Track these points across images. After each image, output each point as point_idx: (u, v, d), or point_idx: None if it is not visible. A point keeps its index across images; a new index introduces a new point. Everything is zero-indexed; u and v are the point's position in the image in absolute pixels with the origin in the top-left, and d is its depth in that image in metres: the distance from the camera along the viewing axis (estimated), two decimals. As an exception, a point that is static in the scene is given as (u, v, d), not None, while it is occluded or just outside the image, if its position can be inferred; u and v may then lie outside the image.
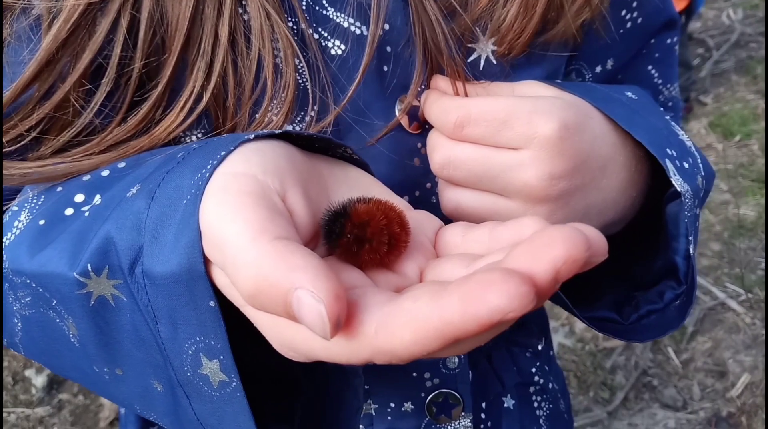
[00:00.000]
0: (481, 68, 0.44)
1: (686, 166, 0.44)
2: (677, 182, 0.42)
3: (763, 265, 2.01)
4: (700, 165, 0.47)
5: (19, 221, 0.38)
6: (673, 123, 0.48)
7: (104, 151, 0.39)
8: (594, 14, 0.46)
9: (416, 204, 0.46)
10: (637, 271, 0.51)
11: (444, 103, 0.42)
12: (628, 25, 0.51)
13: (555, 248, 0.23)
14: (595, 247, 0.25)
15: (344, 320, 0.24)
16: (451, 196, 0.43)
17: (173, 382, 0.34)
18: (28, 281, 0.36)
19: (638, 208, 0.48)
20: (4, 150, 0.39)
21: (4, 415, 1.68)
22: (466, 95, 0.43)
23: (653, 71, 0.57)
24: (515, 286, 0.22)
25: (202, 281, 0.29)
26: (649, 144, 0.41)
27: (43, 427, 1.67)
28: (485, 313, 0.22)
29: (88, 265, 0.32)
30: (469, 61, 0.44)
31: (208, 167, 0.30)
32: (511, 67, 0.45)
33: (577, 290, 0.53)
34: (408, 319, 0.23)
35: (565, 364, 1.86)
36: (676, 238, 0.44)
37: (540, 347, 0.61)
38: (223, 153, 0.30)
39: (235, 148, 0.31)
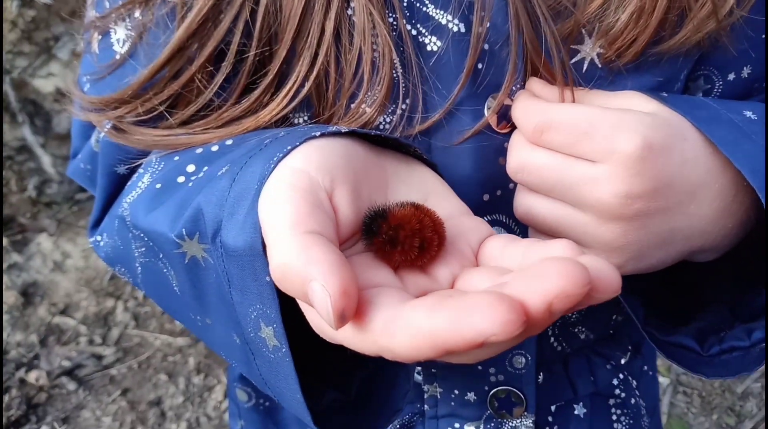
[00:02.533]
0: (584, 70, 0.43)
1: None
2: None
3: None
4: None
5: (143, 182, 0.45)
6: None
7: (219, 127, 0.44)
8: (721, 27, 0.42)
9: (497, 203, 0.46)
10: (742, 300, 0.48)
11: (529, 106, 0.41)
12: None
13: (549, 281, 0.24)
14: (602, 284, 0.25)
15: (352, 314, 0.26)
16: (523, 201, 0.43)
17: (243, 338, 0.38)
18: (142, 235, 0.42)
19: (740, 238, 0.45)
20: (139, 118, 0.46)
21: (151, 339, 1.89)
22: (562, 100, 0.43)
23: None
24: (502, 313, 0.23)
25: (261, 258, 0.33)
26: (750, 173, 0.38)
27: (182, 355, 1.85)
28: (470, 333, 0.23)
29: (183, 229, 0.38)
30: (572, 62, 0.43)
31: (275, 160, 0.33)
32: (618, 73, 0.43)
33: (666, 309, 0.50)
34: (405, 325, 0.25)
35: (690, 382, 1.75)
36: None
37: (623, 361, 0.60)
38: (289, 147, 0.33)
39: (300, 143, 0.33)
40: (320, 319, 0.29)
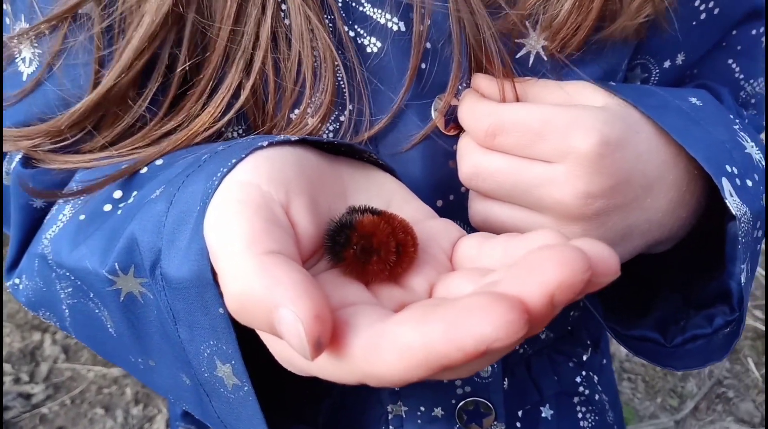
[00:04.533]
0: (530, 65, 0.42)
1: (749, 183, 0.40)
2: (733, 204, 0.38)
3: None
4: None
5: (63, 214, 0.40)
6: (742, 133, 0.43)
7: (148, 145, 0.40)
8: (658, 9, 0.42)
9: (451, 209, 0.44)
10: (694, 286, 0.48)
11: (477, 108, 0.40)
12: (702, 16, 0.47)
13: (548, 271, 0.21)
14: (601, 267, 0.23)
15: (328, 341, 0.23)
16: (479, 208, 0.42)
17: (196, 379, 0.34)
18: (67, 274, 0.38)
19: (692, 227, 0.45)
20: (63, 143, 0.41)
21: (83, 371, 1.79)
22: (515, 94, 0.41)
23: (734, 65, 0.53)
24: (502, 314, 0.20)
25: (211, 289, 0.29)
26: (704, 160, 0.38)
27: (117, 386, 1.76)
28: (470, 341, 0.20)
29: (116, 263, 0.34)
30: (517, 57, 0.41)
31: (218, 175, 0.29)
32: (563, 64, 0.42)
33: (623, 303, 0.50)
34: (392, 344, 0.22)
35: (634, 368, 1.79)
36: (733, 261, 0.41)
37: (585, 357, 0.59)
38: (234, 160, 0.30)
39: (246, 156, 0.30)
40: (289, 350, 0.26)
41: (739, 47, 0.52)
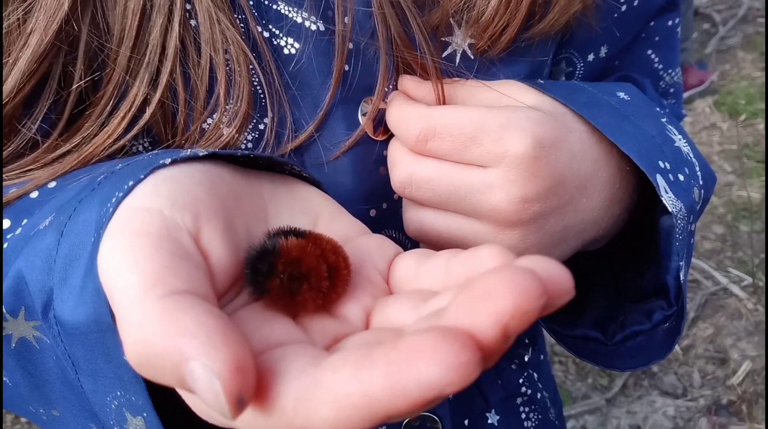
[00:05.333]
0: (456, 63, 0.40)
1: (681, 178, 0.40)
2: (669, 201, 0.38)
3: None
4: (698, 173, 0.43)
5: None
6: (670, 126, 0.44)
7: (40, 168, 0.36)
8: (586, 5, 0.42)
9: (384, 217, 0.42)
10: (627, 280, 0.48)
11: (407, 112, 0.38)
12: (623, 8, 0.47)
13: (500, 298, 0.18)
14: (555, 289, 0.21)
15: (252, 396, 0.20)
16: (414, 217, 0.40)
17: None
18: None
19: (625, 222, 0.45)
20: None
21: None
22: (443, 96, 0.40)
23: (653, 56, 0.53)
24: (452, 354, 0.17)
25: (111, 334, 0.25)
26: (638, 158, 0.38)
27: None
28: (415, 389, 0.18)
29: (3, 306, 0.29)
30: (443, 56, 0.40)
31: (113, 201, 0.25)
32: (491, 62, 0.41)
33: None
34: (327, 396, 0.19)
35: (563, 351, 1.84)
36: (668, 256, 0.41)
37: (527, 358, 0.58)
38: (131, 182, 0.26)
39: (146, 176, 0.26)
40: (203, 406, 0.23)
41: (657, 38, 0.53)
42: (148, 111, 0.36)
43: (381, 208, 0.42)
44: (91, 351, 0.27)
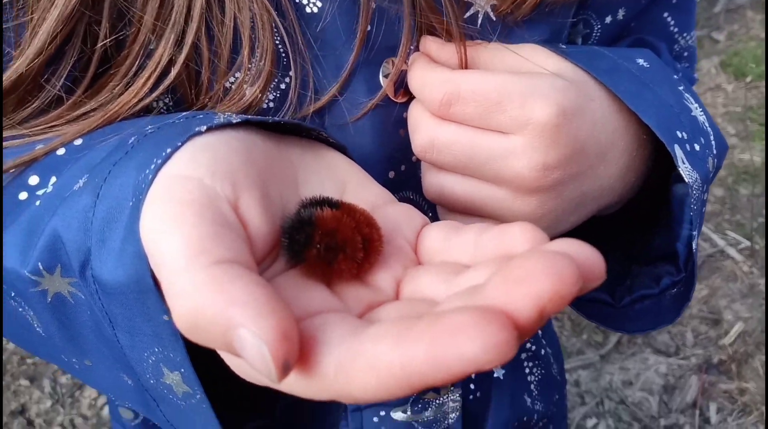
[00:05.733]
0: (478, 25, 0.40)
1: (697, 148, 0.41)
2: (685, 171, 0.38)
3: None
4: (713, 143, 0.43)
5: None
6: (686, 94, 0.44)
7: (65, 124, 0.36)
8: None
9: (402, 179, 0.43)
10: (636, 243, 0.49)
11: (430, 76, 0.38)
12: None
13: (539, 281, 0.19)
14: (589, 273, 0.21)
15: (296, 360, 0.21)
16: (433, 181, 0.40)
17: (140, 384, 0.32)
18: None
19: (639, 188, 0.45)
20: None
21: (3, 342, 1.71)
22: (465, 59, 0.40)
23: (669, 18, 0.53)
24: (492, 333, 0.18)
25: (152, 295, 0.26)
26: (657, 127, 0.38)
27: (42, 357, 1.70)
28: (456, 363, 0.18)
29: (39, 263, 0.30)
30: (465, 17, 0.40)
31: (152, 167, 0.26)
32: (513, 24, 0.41)
33: None
34: (368, 365, 0.20)
35: (561, 307, 1.87)
36: (680, 223, 0.41)
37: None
38: (168, 150, 0.26)
39: (182, 144, 0.27)
40: (248, 368, 0.24)
41: (673, 1, 0.53)
42: (174, 71, 0.36)
43: (400, 170, 0.43)
44: (130, 310, 0.27)
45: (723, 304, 1.78)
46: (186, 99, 0.38)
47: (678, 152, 0.39)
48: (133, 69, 0.36)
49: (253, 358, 0.20)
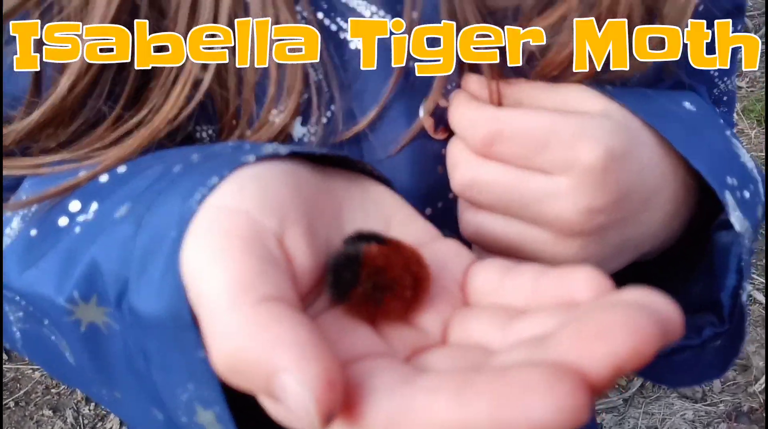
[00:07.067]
0: (520, 62, 0.39)
1: (747, 195, 0.39)
2: (737, 220, 0.37)
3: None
4: (761, 190, 0.42)
5: (11, 228, 0.35)
6: (734, 140, 0.43)
7: (107, 147, 0.36)
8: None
9: (441, 217, 0.41)
10: (678, 290, 0.47)
11: (473, 113, 0.37)
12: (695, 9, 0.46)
13: (618, 338, 0.18)
14: (667, 326, 0.19)
15: (340, 410, 0.19)
16: (471, 220, 0.39)
17: (171, 421, 0.31)
18: (18, 298, 0.33)
19: (681, 235, 0.44)
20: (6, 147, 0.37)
21: (28, 371, 1.71)
22: (499, 97, 0.39)
23: None
24: (564, 396, 0.17)
25: (190, 332, 0.25)
26: (708, 174, 0.37)
27: (66, 385, 1.70)
28: (523, 425, 0.17)
29: (75, 291, 0.29)
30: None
31: (197, 197, 0.25)
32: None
33: None
34: (423, 420, 0.18)
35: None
36: (724, 273, 0.40)
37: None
38: (215, 179, 0.25)
39: (230, 173, 0.26)
40: (286, 414, 0.23)
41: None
42: (207, 78, 0.36)
43: (437, 207, 0.42)
44: (165, 344, 0.27)
45: (752, 349, 1.73)
46: (225, 127, 0.38)
47: (729, 199, 0.37)
48: (171, 78, 0.36)
49: (294, 405, 0.19)
